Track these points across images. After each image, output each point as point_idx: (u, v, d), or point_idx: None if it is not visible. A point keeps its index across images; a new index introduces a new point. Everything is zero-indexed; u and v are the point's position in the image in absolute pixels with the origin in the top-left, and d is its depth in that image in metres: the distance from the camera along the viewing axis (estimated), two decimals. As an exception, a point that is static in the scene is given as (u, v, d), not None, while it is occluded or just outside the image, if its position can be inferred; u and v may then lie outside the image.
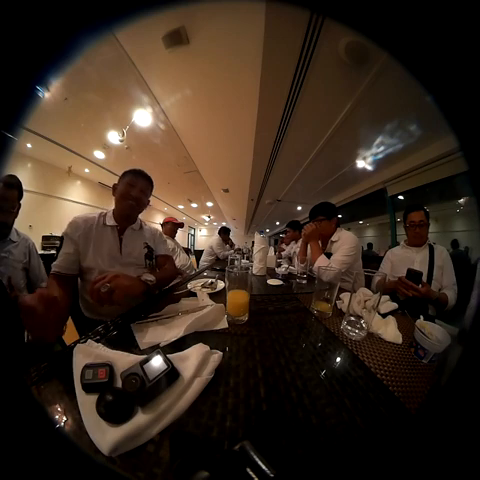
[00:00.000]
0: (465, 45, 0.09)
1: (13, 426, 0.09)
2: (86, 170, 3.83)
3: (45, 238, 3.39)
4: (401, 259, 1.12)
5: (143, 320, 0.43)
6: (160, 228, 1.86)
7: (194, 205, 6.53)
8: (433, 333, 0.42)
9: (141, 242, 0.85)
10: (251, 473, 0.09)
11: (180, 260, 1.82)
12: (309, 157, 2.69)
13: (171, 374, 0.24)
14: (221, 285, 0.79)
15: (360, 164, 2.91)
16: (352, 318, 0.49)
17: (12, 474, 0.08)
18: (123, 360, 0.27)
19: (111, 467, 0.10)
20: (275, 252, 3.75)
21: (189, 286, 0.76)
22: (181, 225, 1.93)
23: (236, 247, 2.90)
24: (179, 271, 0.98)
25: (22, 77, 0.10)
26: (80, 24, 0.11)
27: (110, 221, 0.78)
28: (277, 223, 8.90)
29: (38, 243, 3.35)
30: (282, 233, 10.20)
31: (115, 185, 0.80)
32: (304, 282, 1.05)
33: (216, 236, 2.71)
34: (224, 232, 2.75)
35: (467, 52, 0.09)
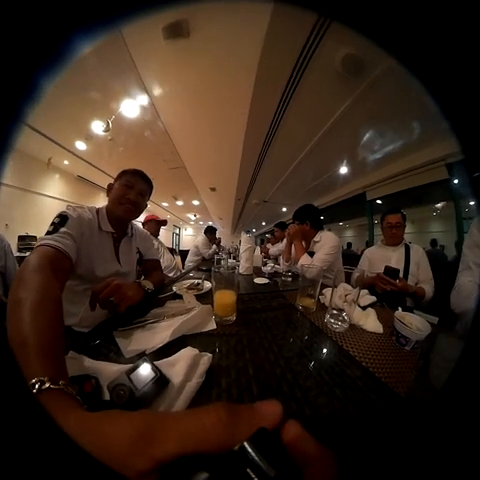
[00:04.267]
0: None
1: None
2: (65, 162, 3.42)
3: (21, 238, 2.96)
4: (378, 257, 1.21)
5: (126, 327, 0.40)
6: (141, 227, 1.78)
7: (179, 203, 6.33)
8: (413, 322, 0.46)
9: (134, 248, 0.81)
10: (251, 473, 0.09)
11: (164, 261, 1.73)
12: (296, 160, 2.79)
13: (160, 381, 0.23)
14: (208, 286, 0.78)
15: (343, 170, 3.11)
16: (334, 311, 0.52)
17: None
18: (108, 370, 0.25)
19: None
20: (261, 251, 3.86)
21: (174, 288, 0.73)
22: (164, 223, 1.82)
23: (223, 246, 2.89)
24: (165, 277, 0.93)
25: (22, 71, 0.10)
26: (82, 20, 0.11)
27: (106, 226, 0.69)
28: (263, 223, 9.08)
29: (14, 244, 2.88)
30: (268, 233, 10.42)
31: (111, 185, 0.74)
32: (289, 280, 1.10)
33: (202, 236, 2.66)
34: (210, 232, 2.71)
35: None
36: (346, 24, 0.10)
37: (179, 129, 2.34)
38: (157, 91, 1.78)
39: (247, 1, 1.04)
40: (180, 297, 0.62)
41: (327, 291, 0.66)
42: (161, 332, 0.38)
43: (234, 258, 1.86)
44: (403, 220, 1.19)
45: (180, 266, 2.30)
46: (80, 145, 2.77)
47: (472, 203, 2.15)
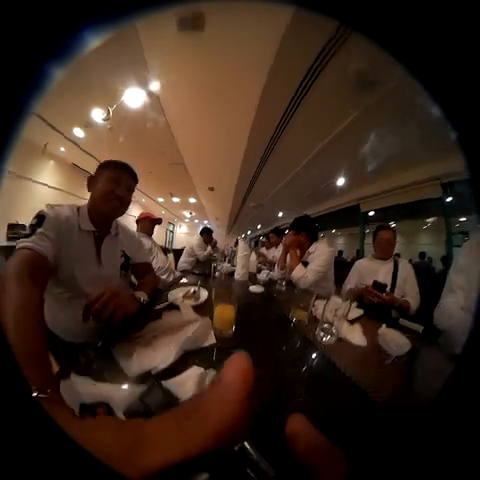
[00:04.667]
0: None
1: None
2: (62, 149, 3.24)
3: (10, 227, 2.80)
4: (368, 270, 1.26)
5: (124, 342, 0.40)
6: (135, 225, 1.67)
7: (176, 199, 6.24)
8: (395, 338, 0.51)
9: (119, 250, 0.74)
10: (251, 473, 0.10)
11: (158, 261, 1.64)
12: (298, 167, 2.83)
13: (174, 404, 0.24)
14: (204, 294, 0.77)
15: (340, 181, 3.21)
16: (325, 325, 0.56)
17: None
18: (119, 395, 0.25)
19: (112, 467, 0.09)
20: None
21: (170, 297, 0.71)
22: (159, 221, 1.72)
23: (218, 248, 2.87)
24: (158, 280, 0.87)
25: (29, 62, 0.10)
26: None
27: (87, 225, 0.63)
28: (259, 226, 9.13)
29: (3, 232, 2.73)
30: (263, 236, 10.50)
31: (92, 178, 0.67)
32: (283, 288, 1.12)
33: (197, 236, 2.64)
34: (206, 232, 2.70)
35: None
36: (367, 35, 0.10)
37: (182, 124, 2.30)
38: (163, 82, 1.73)
39: (267, 2, 1.02)
40: (177, 308, 0.63)
41: (320, 303, 0.69)
42: (162, 347, 0.38)
43: (229, 262, 1.87)
44: (394, 237, 1.25)
45: (173, 266, 2.25)
46: (78, 132, 2.66)
47: (463, 219, 2.36)
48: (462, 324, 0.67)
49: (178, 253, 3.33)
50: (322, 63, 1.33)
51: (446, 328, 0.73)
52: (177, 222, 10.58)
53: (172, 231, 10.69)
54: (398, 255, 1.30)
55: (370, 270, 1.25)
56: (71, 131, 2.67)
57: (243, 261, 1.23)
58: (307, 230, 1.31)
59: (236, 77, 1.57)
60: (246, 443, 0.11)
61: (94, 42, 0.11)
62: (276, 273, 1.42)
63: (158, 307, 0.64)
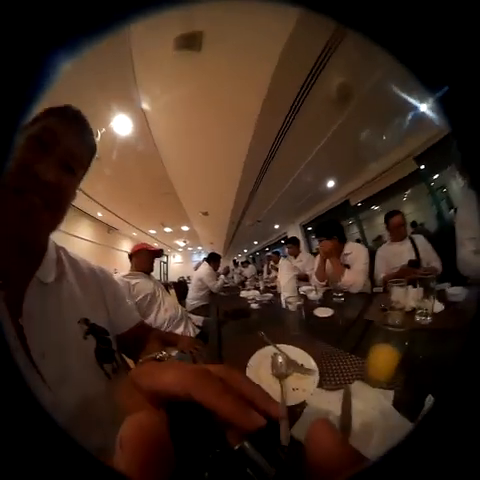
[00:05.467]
0: None
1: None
2: None
3: None
4: (392, 254, 1.38)
5: None
6: (128, 262, 1.26)
7: (167, 229, 5.98)
8: None
9: (72, 315, 0.35)
10: (251, 473, 0.10)
11: (167, 309, 1.15)
12: (293, 177, 2.85)
13: None
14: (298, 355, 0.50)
15: (330, 183, 3.36)
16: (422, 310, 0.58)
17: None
18: None
19: (111, 466, 0.09)
20: (260, 272, 3.59)
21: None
22: (160, 253, 1.33)
23: (244, 272, 2.54)
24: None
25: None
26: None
27: None
28: (255, 242, 9.00)
29: None
30: (259, 252, 10.29)
31: None
32: (342, 300, 0.99)
33: (205, 266, 2.34)
34: (214, 259, 2.42)
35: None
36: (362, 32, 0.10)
37: (172, 150, 2.21)
38: (153, 107, 1.64)
39: (265, 13, 0.98)
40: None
41: (396, 298, 0.65)
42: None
43: (256, 289, 1.58)
44: (403, 219, 1.38)
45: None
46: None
47: (436, 176, 2.69)
48: (477, 265, 0.85)
49: (179, 287, 2.90)
50: (314, 76, 1.40)
51: (469, 274, 0.89)
52: (170, 252, 10.11)
53: (166, 262, 10.10)
54: (415, 224, 1.49)
55: (394, 253, 1.37)
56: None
57: (292, 284, 0.99)
58: (338, 233, 1.28)
59: (232, 97, 1.55)
60: (246, 443, 0.11)
61: (67, 65, 0.10)
62: (313, 285, 1.31)
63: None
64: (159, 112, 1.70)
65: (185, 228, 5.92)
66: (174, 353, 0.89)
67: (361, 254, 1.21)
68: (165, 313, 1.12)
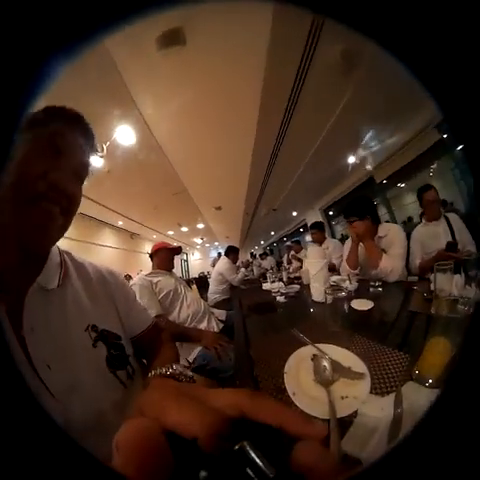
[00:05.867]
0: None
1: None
2: None
3: None
4: (428, 237, 1.27)
5: None
6: (150, 262, 1.26)
7: (184, 229, 6.16)
8: None
9: (79, 322, 0.32)
10: (251, 473, 0.10)
11: (189, 305, 1.14)
12: (305, 160, 2.64)
13: None
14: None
15: (351, 159, 3.02)
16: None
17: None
18: None
19: (111, 466, 0.10)
20: (280, 263, 3.45)
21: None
22: (178, 250, 1.32)
23: (263, 264, 2.47)
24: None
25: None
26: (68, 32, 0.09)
27: None
28: (272, 233, 8.79)
29: None
30: (276, 243, 10.02)
31: None
32: (380, 290, 0.88)
33: (225, 259, 2.32)
34: (233, 251, 2.37)
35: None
36: (341, 21, 0.10)
37: (178, 150, 2.19)
38: (152, 111, 1.63)
39: (245, 2, 0.93)
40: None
41: (441, 286, 0.57)
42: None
43: (280, 280, 1.49)
44: (437, 194, 1.28)
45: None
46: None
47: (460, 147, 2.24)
48: None
49: (199, 283, 2.99)
50: (309, 55, 1.29)
51: None
52: (189, 250, 10.50)
53: (186, 260, 10.56)
54: (445, 203, 1.37)
55: (430, 235, 1.26)
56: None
57: (323, 273, 0.87)
58: (371, 213, 1.09)
59: (231, 85, 1.44)
60: (246, 443, 0.11)
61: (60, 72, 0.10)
62: (343, 274, 1.16)
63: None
64: (159, 114, 1.68)
65: (200, 225, 6.01)
66: (197, 350, 0.87)
67: (399, 236, 1.06)
68: (188, 309, 1.11)
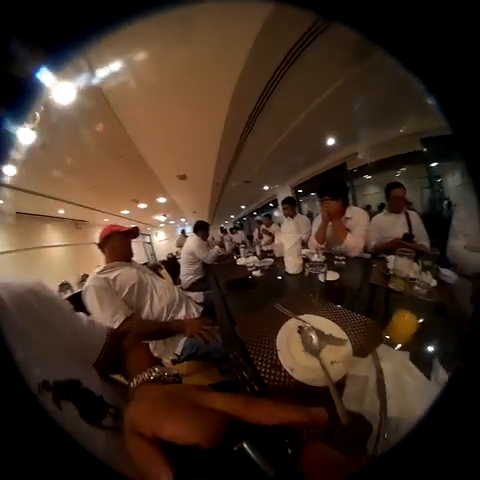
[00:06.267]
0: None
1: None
2: None
3: None
4: (387, 225, 1.43)
5: None
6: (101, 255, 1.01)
7: (142, 205, 5.40)
8: None
9: (25, 385, 0.18)
10: (251, 473, 0.10)
11: (161, 296, 0.97)
12: (284, 134, 2.52)
13: None
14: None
15: (328, 142, 3.08)
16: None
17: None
18: None
19: (110, 466, 0.10)
20: (251, 238, 3.57)
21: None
22: (135, 232, 1.08)
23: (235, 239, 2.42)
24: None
25: None
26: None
27: None
28: (242, 207, 8.73)
29: None
30: (246, 217, 10.11)
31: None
32: (344, 263, 1.01)
33: (194, 237, 2.18)
34: (202, 228, 2.24)
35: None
36: (348, 24, 0.12)
37: (133, 107, 1.72)
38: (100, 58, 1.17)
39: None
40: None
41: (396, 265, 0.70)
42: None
43: (254, 254, 1.51)
44: (405, 192, 1.44)
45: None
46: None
47: (434, 164, 2.80)
48: (466, 260, 0.96)
49: (169, 266, 2.76)
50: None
51: (456, 263, 0.99)
52: (152, 230, 9.55)
53: (150, 242, 9.68)
54: (406, 202, 1.51)
55: (388, 224, 1.42)
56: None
57: (297, 248, 0.93)
58: (343, 194, 1.22)
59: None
60: (246, 443, 0.11)
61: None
62: (311, 248, 1.29)
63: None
64: (106, 60, 1.19)
65: (162, 200, 5.36)
66: (183, 340, 0.82)
67: (363, 219, 1.22)
68: (161, 301, 0.96)
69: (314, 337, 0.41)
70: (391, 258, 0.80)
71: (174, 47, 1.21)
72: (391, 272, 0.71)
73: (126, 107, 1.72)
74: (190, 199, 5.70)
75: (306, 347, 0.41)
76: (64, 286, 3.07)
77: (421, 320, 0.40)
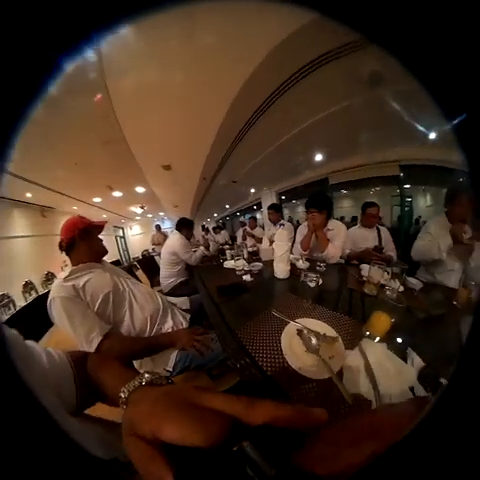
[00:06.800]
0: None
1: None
2: None
3: None
4: (359, 237, 1.64)
5: None
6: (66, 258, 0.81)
7: (117, 194, 4.94)
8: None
9: None
10: (251, 473, 0.10)
11: (143, 305, 0.83)
12: (277, 143, 2.66)
13: None
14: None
15: (316, 158, 3.41)
16: (390, 288, 0.73)
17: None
18: None
19: (110, 466, 0.11)
20: (234, 238, 3.60)
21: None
22: (100, 226, 0.93)
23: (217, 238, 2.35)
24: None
25: None
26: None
27: None
28: (227, 206, 8.69)
29: None
30: (228, 217, 10.09)
31: None
32: (324, 269, 1.15)
33: (176, 235, 2.07)
34: (186, 226, 2.14)
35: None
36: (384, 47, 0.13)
37: (121, 83, 1.57)
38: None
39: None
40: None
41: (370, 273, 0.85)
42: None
43: (243, 257, 1.50)
44: (378, 211, 1.67)
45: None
46: None
47: (407, 186, 3.19)
48: (426, 256, 1.23)
49: (145, 264, 2.49)
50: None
51: (418, 259, 1.29)
52: (126, 223, 8.79)
53: (123, 236, 8.87)
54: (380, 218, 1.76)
55: (361, 237, 1.64)
56: None
57: (287, 256, 1.03)
58: (328, 209, 1.39)
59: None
60: (246, 443, 0.11)
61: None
62: (295, 254, 1.41)
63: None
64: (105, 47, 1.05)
65: (140, 189, 5.00)
66: (174, 354, 0.76)
67: (342, 232, 1.43)
68: (142, 311, 0.81)
69: (313, 338, 0.48)
70: (364, 266, 0.99)
71: (177, 37, 1.18)
72: (365, 278, 0.86)
73: (119, 85, 1.58)
74: (173, 192, 5.42)
75: (308, 348, 0.47)
76: (28, 286, 2.64)
77: (393, 319, 0.51)
